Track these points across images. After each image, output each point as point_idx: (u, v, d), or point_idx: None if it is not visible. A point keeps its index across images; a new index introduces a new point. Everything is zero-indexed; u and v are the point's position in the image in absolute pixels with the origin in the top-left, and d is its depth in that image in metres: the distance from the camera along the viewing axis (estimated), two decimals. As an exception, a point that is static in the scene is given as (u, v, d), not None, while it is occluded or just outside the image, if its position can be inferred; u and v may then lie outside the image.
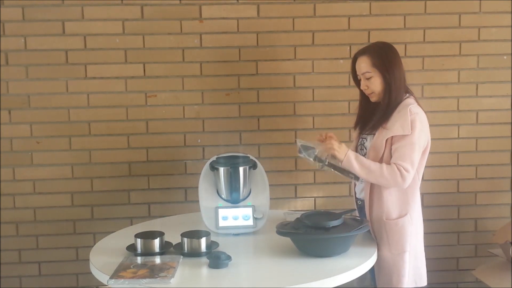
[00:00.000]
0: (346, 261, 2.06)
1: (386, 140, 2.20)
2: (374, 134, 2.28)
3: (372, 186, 2.26)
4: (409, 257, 2.24)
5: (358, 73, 2.31)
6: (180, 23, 2.92)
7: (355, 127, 2.43)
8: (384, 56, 2.25)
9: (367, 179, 2.22)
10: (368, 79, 2.27)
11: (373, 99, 2.31)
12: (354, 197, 2.46)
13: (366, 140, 2.34)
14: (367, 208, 2.29)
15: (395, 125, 2.18)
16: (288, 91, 3.00)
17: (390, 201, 2.23)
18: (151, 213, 3.01)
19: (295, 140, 2.30)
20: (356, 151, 2.38)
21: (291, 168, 3.04)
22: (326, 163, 2.21)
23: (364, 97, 2.36)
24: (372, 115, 2.32)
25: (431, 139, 2.95)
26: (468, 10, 2.99)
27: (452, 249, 3.15)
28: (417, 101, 2.28)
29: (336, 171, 2.24)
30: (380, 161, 2.21)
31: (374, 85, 2.26)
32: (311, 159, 2.21)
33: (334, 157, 2.21)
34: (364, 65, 2.27)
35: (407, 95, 2.29)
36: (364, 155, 2.31)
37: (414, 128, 2.16)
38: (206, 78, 2.97)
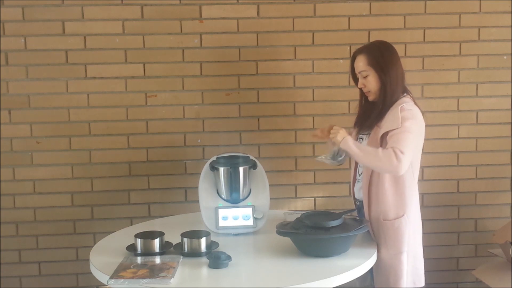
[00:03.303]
0: (346, 261, 2.06)
1: (381, 138, 2.20)
2: (370, 134, 2.28)
3: (370, 186, 2.26)
4: (407, 257, 2.23)
5: (356, 71, 2.32)
6: (180, 23, 2.92)
7: (354, 127, 2.43)
8: (380, 55, 2.25)
9: (364, 162, 2.21)
10: (365, 77, 2.28)
11: (371, 97, 2.31)
12: (352, 197, 2.46)
13: (363, 140, 2.34)
14: (366, 209, 2.29)
15: (387, 122, 2.19)
16: (288, 91, 3.00)
17: (387, 202, 2.23)
18: (151, 213, 3.01)
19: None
20: None
21: (291, 168, 3.04)
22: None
23: (363, 97, 2.36)
24: (371, 114, 2.33)
25: (431, 139, 2.98)
26: (468, 10, 2.99)
27: (452, 249, 3.15)
28: (414, 101, 2.27)
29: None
30: None
31: (371, 83, 2.27)
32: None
33: (333, 142, 2.27)
34: (361, 63, 2.28)
35: (404, 94, 2.29)
36: None
37: (405, 121, 2.15)
38: (206, 78, 2.97)
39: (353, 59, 2.34)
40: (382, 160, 2.12)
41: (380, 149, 2.15)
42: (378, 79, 2.25)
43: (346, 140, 2.20)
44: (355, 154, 2.19)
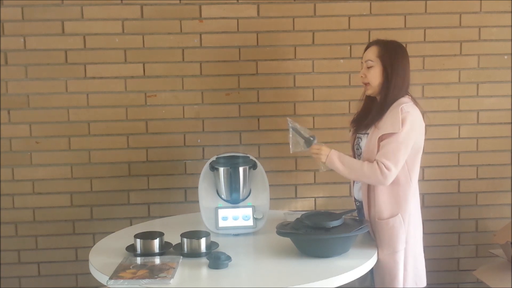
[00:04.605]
0: (346, 261, 2.05)
1: (378, 139, 2.19)
2: (368, 134, 2.27)
3: (369, 187, 2.25)
4: (405, 257, 2.22)
5: (362, 60, 2.30)
6: (180, 23, 2.92)
7: (351, 124, 2.42)
8: (393, 52, 2.24)
9: (350, 177, 2.24)
10: (369, 68, 2.26)
11: (368, 91, 2.30)
12: (352, 197, 2.45)
13: (361, 139, 2.33)
14: (365, 209, 2.28)
15: (386, 124, 2.17)
16: (288, 91, 2.99)
17: (381, 202, 2.21)
18: (151, 213, 3.01)
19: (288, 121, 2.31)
20: (352, 150, 2.39)
21: (291, 168, 3.04)
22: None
23: (368, 96, 2.35)
24: (370, 113, 2.31)
25: (431, 139, 2.97)
26: (469, 10, 2.99)
27: (453, 249, 3.14)
28: (414, 101, 2.25)
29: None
30: None
31: (373, 76, 2.24)
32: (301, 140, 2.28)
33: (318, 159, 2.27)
34: (370, 53, 2.26)
35: (403, 95, 2.27)
36: (359, 155, 2.31)
37: (403, 127, 2.14)
38: (206, 78, 2.96)
39: (365, 49, 2.32)
40: (368, 176, 2.16)
41: (365, 164, 2.16)
42: (381, 73, 2.23)
43: (330, 158, 2.21)
44: (341, 171, 2.21)
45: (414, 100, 2.26)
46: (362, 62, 2.31)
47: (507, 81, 3.04)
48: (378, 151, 2.18)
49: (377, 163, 2.13)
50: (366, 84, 2.29)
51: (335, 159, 2.20)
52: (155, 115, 2.96)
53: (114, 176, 2.97)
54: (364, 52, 2.31)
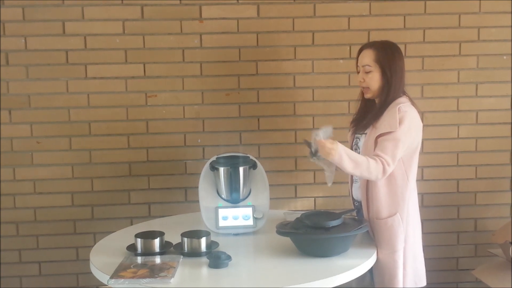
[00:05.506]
0: (346, 261, 2.06)
1: (376, 139, 2.19)
2: (366, 134, 2.28)
3: (367, 186, 2.25)
4: (404, 257, 2.23)
5: (359, 64, 2.30)
6: (180, 23, 2.93)
7: (350, 124, 2.42)
8: (390, 55, 2.24)
9: (354, 172, 2.12)
10: (367, 72, 2.26)
11: (367, 95, 2.30)
12: (351, 198, 2.46)
13: (360, 139, 2.34)
14: (364, 208, 2.29)
15: (384, 123, 2.18)
16: (288, 91, 3.00)
17: (380, 201, 2.22)
18: (151, 213, 3.01)
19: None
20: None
21: (291, 168, 3.05)
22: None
23: (363, 96, 2.35)
24: (368, 114, 2.32)
25: (431, 139, 2.99)
26: (468, 10, 2.99)
27: (452, 249, 3.15)
28: (411, 101, 2.26)
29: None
30: None
31: (372, 80, 2.25)
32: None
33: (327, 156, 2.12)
34: (367, 58, 2.26)
35: (400, 95, 2.27)
36: None
37: (401, 125, 2.14)
38: (206, 78, 2.97)
39: (359, 51, 2.31)
40: (371, 172, 2.10)
41: (370, 160, 2.10)
42: (381, 77, 2.24)
43: (340, 154, 2.07)
44: (347, 166, 2.08)
45: (411, 100, 2.27)
46: (358, 66, 2.31)
47: (506, 81, 3.05)
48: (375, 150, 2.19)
49: (379, 159, 2.11)
50: (366, 88, 2.29)
51: (343, 153, 2.07)
52: (156, 115, 2.97)
53: (115, 176, 2.98)
54: (359, 56, 2.30)
